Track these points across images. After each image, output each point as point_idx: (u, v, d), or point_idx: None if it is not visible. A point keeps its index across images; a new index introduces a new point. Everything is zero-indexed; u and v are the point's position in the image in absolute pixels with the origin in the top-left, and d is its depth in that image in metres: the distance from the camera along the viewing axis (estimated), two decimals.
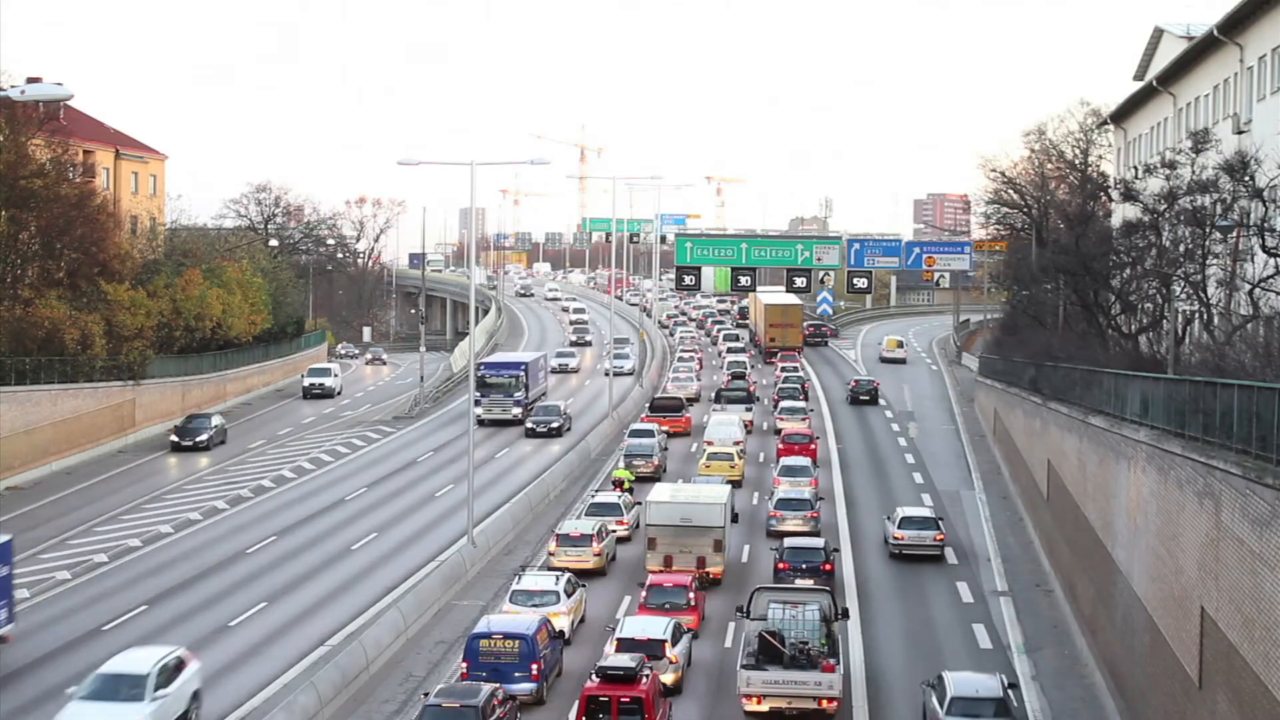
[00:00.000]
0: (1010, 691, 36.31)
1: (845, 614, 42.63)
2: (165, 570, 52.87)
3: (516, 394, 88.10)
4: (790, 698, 36.95)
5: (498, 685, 35.36)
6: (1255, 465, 26.13)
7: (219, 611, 47.01)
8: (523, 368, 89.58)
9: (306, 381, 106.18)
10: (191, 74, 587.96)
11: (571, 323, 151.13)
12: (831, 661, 37.28)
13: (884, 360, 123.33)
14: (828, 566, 49.53)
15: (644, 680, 34.82)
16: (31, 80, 71.50)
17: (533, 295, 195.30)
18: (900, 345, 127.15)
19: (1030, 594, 50.22)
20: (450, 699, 33.77)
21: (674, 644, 39.25)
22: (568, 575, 45.64)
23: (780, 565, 49.40)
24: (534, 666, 37.59)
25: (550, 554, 52.00)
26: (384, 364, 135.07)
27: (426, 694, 35.19)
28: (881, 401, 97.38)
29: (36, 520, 61.41)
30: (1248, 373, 35.82)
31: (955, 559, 55.04)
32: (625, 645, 38.49)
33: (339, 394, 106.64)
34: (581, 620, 45.37)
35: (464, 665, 38.07)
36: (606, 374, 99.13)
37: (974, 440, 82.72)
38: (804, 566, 48.90)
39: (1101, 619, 41.29)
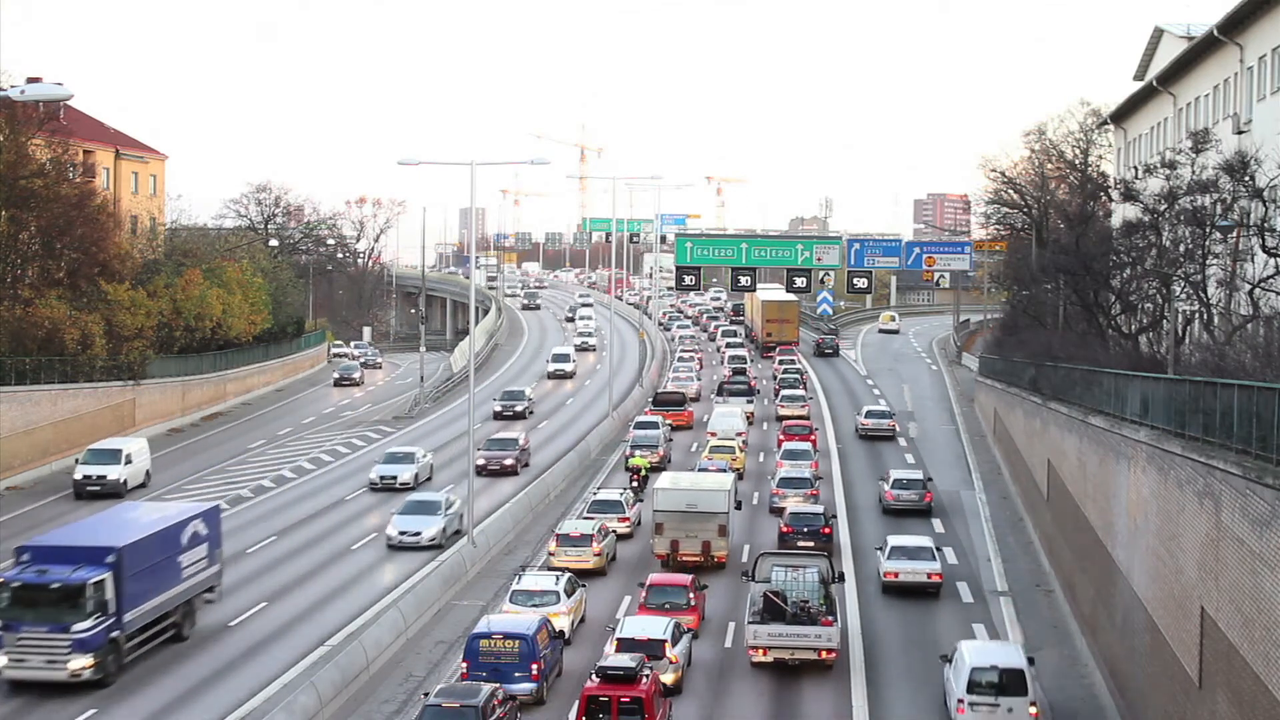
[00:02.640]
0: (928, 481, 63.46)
1: (841, 578, 45.56)
2: None
3: (80, 624, 38.81)
4: (793, 649, 40.48)
5: (498, 685, 35.34)
6: (1255, 465, 26.13)
7: (219, 611, 46.91)
8: (111, 558, 39.86)
9: (80, 472, 65.82)
10: (192, 74, 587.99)
11: (549, 370, 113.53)
12: (830, 617, 40.91)
13: (881, 331, 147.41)
14: (826, 530, 54.73)
15: (644, 680, 34.82)
16: (31, 80, 71.40)
17: (573, 321, 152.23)
18: (893, 319, 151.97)
19: (1030, 594, 50.21)
20: (450, 699, 33.76)
21: (674, 644, 39.26)
22: (568, 575, 45.63)
23: (785, 529, 54.53)
24: (534, 666, 37.58)
25: (550, 554, 52.03)
26: (357, 385, 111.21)
27: (426, 694, 35.18)
28: (844, 353, 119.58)
29: (36, 520, 61.35)
30: (1248, 373, 35.81)
31: (955, 559, 55.03)
32: (625, 645, 38.51)
33: (141, 487, 67.44)
34: (581, 620, 45.37)
35: (464, 665, 38.05)
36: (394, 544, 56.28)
37: (974, 440, 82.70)
38: (805, 530, 54.16)
39: (1101, 619, 41.29)
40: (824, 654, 40.55)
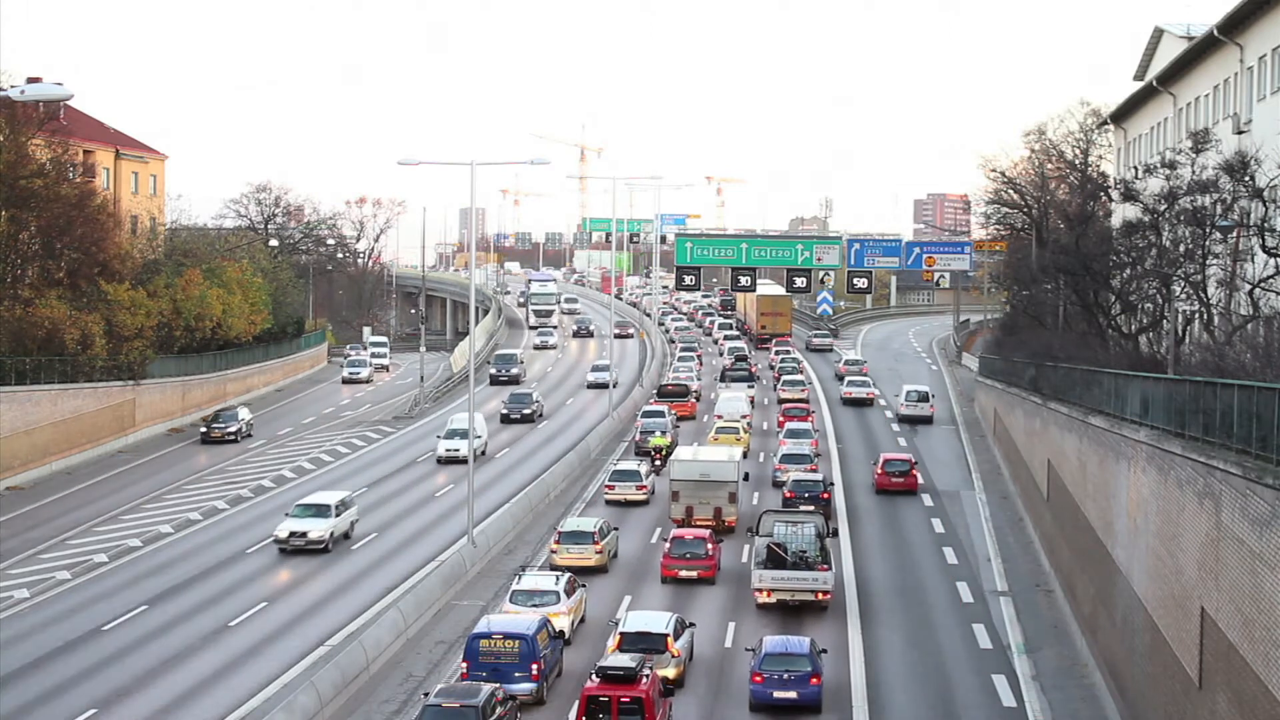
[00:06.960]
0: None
1: (835, 533, 52.52)
2: (165, 570, 52.87)
3: None
4: (793, 591, 46.05)
5: (498, 685, 35.35)
6: (1255, 465, 26.13)
7: (219, 611, 47.01)
8: None
9: None
10: (191, 74, 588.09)
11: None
12: (825, 564, 46.53)
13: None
14: (825, 495, 60.01)
15: (644, 680, 34.82)
16: (31, 80, 71.45)
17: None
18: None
19: (1030, 594, 50.21)
20: (450, 699, 33.76)
21: (676, 638, 39.36)
22: (568, 575, 45.67)
23: (788, 494, 59.75)
24: (534, 666, 37.58)
25: (552, 550, 52.08)
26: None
27: (426, 694, 35.19)
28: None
29: (36, 520, 61.43)
30: (1248, 373, 35.84)
31: (955, 559, 55.05)
32: (628, 639, 38.65)
33: None
34: (582, 620, 45.39)
35: (464, 665, 38.06)
36: None
37: (974, 440, 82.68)
38: (807, 495, 59.14)
39: (1101, 619, 41.29)
40: (820, 596, 46.12)
